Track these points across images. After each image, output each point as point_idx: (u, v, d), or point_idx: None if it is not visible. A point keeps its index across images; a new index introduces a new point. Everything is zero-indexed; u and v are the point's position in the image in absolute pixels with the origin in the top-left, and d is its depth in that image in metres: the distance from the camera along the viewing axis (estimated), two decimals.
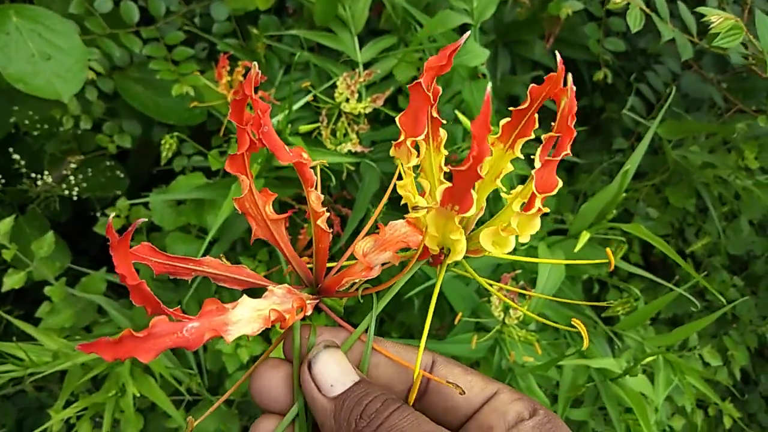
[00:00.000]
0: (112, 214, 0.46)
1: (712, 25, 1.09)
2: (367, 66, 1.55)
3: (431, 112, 0.56)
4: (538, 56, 1.91)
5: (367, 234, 0.59)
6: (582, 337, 1.44)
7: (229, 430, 1.67)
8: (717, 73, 1.93)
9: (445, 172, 0.60)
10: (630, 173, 1.29)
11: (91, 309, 1.62)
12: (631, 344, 1.49)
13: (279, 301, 0.54)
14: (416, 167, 0.59)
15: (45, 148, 1.90)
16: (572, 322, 0.62)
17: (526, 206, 0.54)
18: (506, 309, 1.32)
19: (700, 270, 2.20)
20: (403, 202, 0.59)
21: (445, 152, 0.59)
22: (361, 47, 1.57)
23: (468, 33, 0.60)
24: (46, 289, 1.56)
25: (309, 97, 1.46)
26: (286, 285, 0.56)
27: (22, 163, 1.81)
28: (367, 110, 1.44)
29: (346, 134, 1.46)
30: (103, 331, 1.60)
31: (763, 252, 2.25)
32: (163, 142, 1.57)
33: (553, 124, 0.55)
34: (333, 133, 1.46)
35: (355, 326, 0.58)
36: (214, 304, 0.49)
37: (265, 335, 1.59)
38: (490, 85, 0.50)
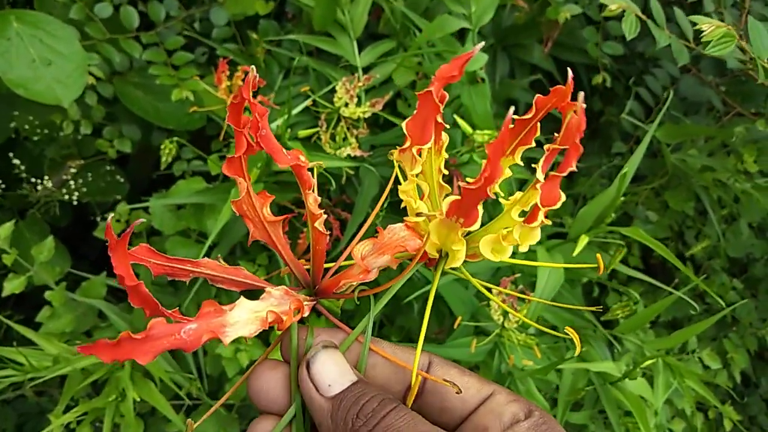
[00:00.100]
0: (111, 216, 0.46)
1: (703, 34, 1.09)
2: (366, 70, 1.56)
3: (436, 118, 0.56)
4: (536, 60, 1.91)
5: (367, 237, 0.59)
6: (582, 342, 1.44)
7: None
8: (715, 77, 1.93)
9: (444, 175, 0.61)
10: (628, 177, 1.29)
11: (92, 313, 1.62)
12: (630, 347, 1.49)
13: (276, 302, 0.54)
14: None
15: (45, 152, 1.90)
16: (566, 330, 0.62)
17: (529, 218, 0.55)
18: (506, 313, 1.32)
19: (700, 273, 2.20)
20: (403, 205, 0.60)
21: (446, 155, 0.60)
22: (360, 52, 1.57)
23: (481, 44, 0.60)
24: (47, 294, 1.57)
25: (308, 102, 1.46)
26: (283, 286, 0.56)
27: (23, 167, 1.82)
28: (367, 115, 1.45)
29: (345, 138, 1.46)
30: (103, 336, 1.60)
31: (763, 255, 2.25)
32: (162, 146, 1.57)
33: (556, 135, 0.55)
34: (332, 137, 1.46)
35: (353, 329, 0.59)
36: (212, 306, 0.49)
37: (265, 339, 1.59)
38: (512, 109, 0.51)
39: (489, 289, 0.64)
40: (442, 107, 0.55)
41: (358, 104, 1.45)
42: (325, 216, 0.58)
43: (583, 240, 1.28)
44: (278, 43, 1.71)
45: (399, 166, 0.60)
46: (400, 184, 0.60)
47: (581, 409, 1.58)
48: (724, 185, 1.92)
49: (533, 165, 0.54)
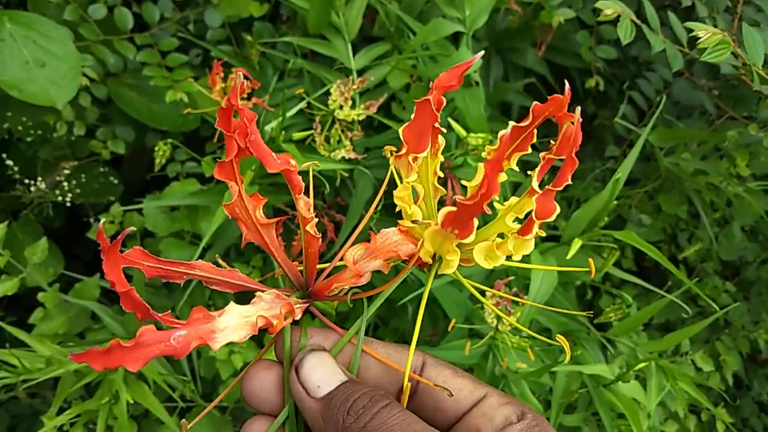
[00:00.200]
0: (103, 219, 0.46)
1: (699, 40, 1.10)
2: (360, 73, 1.56)
3: (433, 125, 0.56)
4: (530, 64, 1.92)
5: (361, 239, 0.59)
6: (575, 345, 1.45)
7: None
8: (708, 81, 1.94)
9: (438, 177, 0.61)
10: (621, 180, 1.30)
11: (85, 315, 1.62)
12: (623, 350, 1.50)
13: (267, 306, 0.54)
14: None
15: (38, 154, 1.90)
16: (557, 338, 0.62)
17: (524, 230, 0.55)
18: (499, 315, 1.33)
19: (693, 276, 2.21)
20: (397, 209, 0.60)
21: (441, 158, 0.60)
22: (354, 54, 1.58)
23: (480, 53, 0.60)
24: (40, 296, 1.56)
25: (303, 104, 1.46)
26: (274, 290, 0.56)
27: (16, 169, 1.81)
28: (361, 117, 1.45)
29: (339, 141, 1.46)
30: (96, 338, 1.60)
31: (755, 258, 2.26)
32: (156, 148, 1.57)
33: (552, 143, 0.55)
34: (327, 139, 1.46)
35: (347, 330, 0.59)
36: (201, 312, 0.49)
37: (259, 341, 1.59)
38: (512, 124, 0.51)
39: (483, 293, 0.65)
40: (438, 112, 0.55)
41: (353, 107, 1.45)
42: (316, 219, 0.58)
43: (577, 243, 1.28)
44: (273, 46, 1.71)
45: (394, 169, 0.61)
46: (395, 185, 0.60)
47: (574, 412, 1.59)
48: (716, 189, 1.93)
49: (529, 172, 0.54)
